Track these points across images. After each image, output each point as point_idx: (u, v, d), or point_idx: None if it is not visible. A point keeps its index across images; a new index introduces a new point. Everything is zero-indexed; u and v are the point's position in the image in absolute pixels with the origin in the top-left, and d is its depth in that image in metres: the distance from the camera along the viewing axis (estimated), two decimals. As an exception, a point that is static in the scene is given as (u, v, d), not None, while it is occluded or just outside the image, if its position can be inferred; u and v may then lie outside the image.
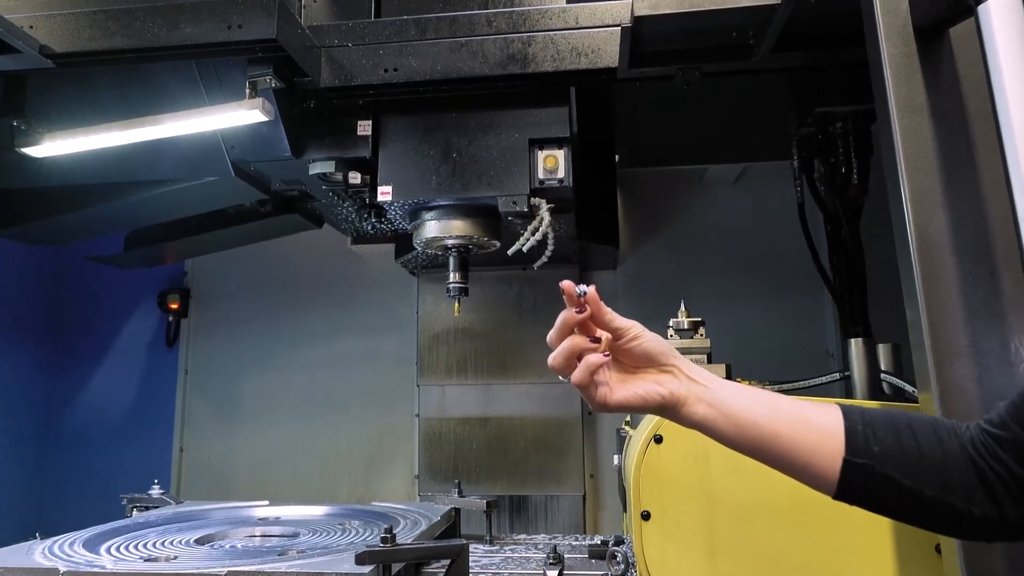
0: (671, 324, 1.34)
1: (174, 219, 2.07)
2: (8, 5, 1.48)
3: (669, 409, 0.69)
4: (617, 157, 2.29)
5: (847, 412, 0.68)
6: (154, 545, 1.26)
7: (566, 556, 1.36)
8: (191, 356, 2.66)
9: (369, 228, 2.03)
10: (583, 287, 0.68)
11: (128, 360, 2.67)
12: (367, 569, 1.02)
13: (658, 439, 0.98)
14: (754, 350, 2.13)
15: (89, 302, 2.65)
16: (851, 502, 0.67)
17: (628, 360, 0.70)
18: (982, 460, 0.63)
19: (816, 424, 0.68)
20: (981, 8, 0.75)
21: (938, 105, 0.82)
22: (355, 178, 1.70)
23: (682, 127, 2.14)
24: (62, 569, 1.07)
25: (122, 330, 2.69)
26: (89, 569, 1.07)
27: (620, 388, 0.69)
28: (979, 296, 0.78)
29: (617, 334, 0.69)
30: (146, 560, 1.16)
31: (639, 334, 0.70)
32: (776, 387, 1.49)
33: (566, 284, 0.68)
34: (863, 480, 0.66)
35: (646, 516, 0.94)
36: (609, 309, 0.70)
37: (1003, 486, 0.62)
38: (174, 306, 2.59)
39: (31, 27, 1.46)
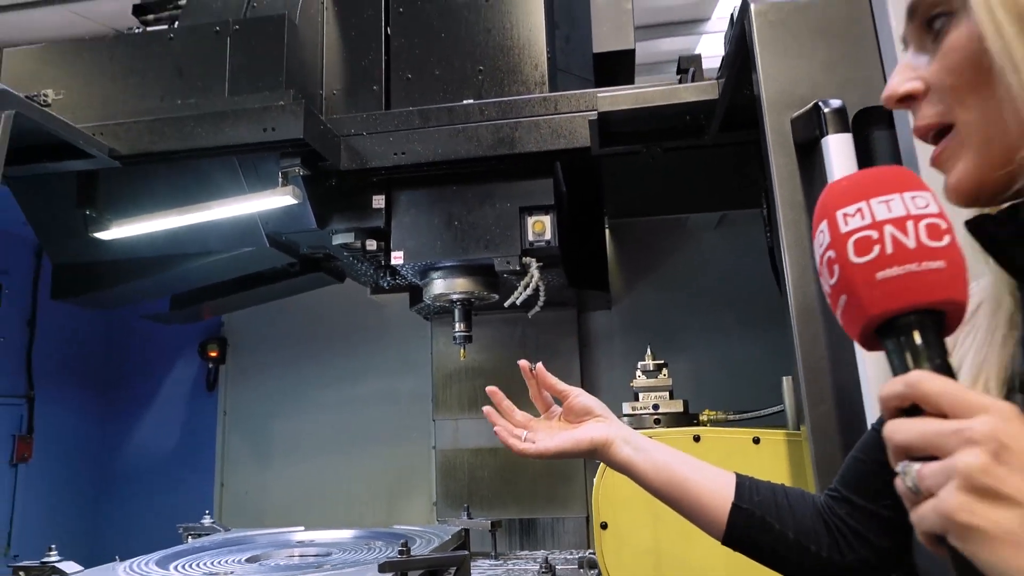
0: (639, 366, 1.58)
1: (215, 282, 2.36)
2: (81, 115, 1.79)
3: (599, 449, 0.91)
4: (605, 210, 2.56)
5: (738, 474, 0.87)
6: (213, 563, 1.52)
7: (559, 567, 1.60)
8: (229, 399, 2.94)
9: (385, 284, 2.30)
10: (533, 365, 0.94)
11: (173, 404, 2.95)
12: (387, 576, 1.27)
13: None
14: (739, 380, 2.36)
15: (137, 354, 2.95)
16: (734, 546, 0.84)
17: (572, 416, 0.95)
18: (827, 513, 0.81)
19: (714, 474, 0.87)
20: (824, 140, 1.01)
21: (812, 201, 1.07)
22: (372, 245, 1.98)
23: (660, 185, 2.40)
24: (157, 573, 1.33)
25: (167, 378, 2.98)
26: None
27: (560, 435, 0.93)
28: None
29: (562, 395, 0.95)
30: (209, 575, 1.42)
31: (579, 393, 0.95)
32: (737, 415, 1.72)
33: (522, 363, 0.95)
34: (744, 521, 0.82)
35: (604, 526, 1.19)
36: (555, 378, 0.95)
37: (841, 535, 0.79)
38: (213, 354, 2.88)
39: (101, 134, 1.76)
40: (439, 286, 1.99)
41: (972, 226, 0.57)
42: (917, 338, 0.48)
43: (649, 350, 1.60)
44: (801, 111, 1.13)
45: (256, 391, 2.90)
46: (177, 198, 1.87)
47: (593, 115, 1.68)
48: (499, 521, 1.88)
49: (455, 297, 1.99)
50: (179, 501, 2.81)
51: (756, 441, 1.34)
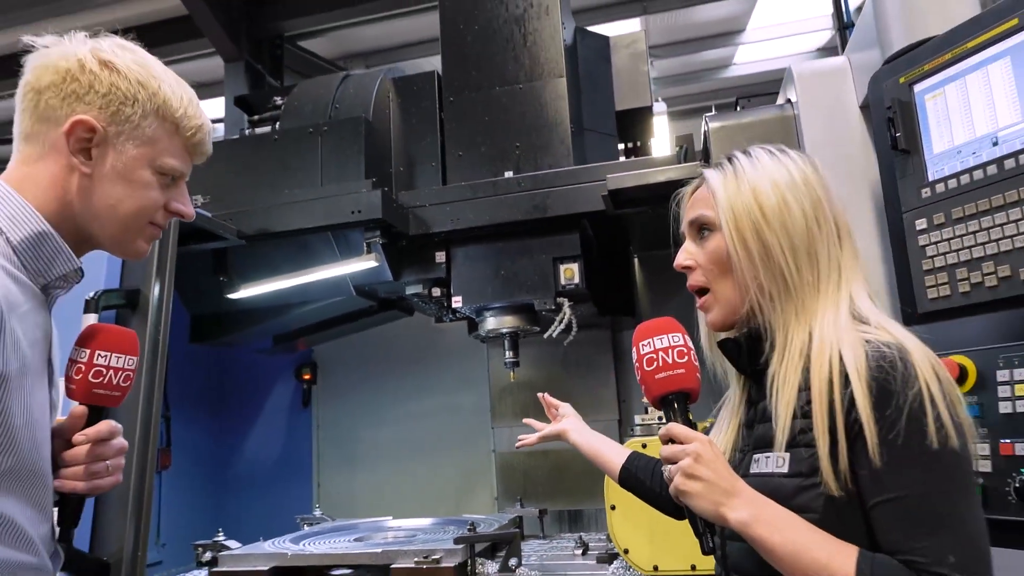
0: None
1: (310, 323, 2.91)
2: (212, 205, 2.34)
3: (561, 435, 1.56)
4: (632, 247, 3.00)
5: (633, 451, 1.42)
6: (332, 542, 2.04)
7: (591, 544, 2.06)
8: (321, 414, 3.49)
9: (447, 319, 2.80)
10: (545, 396, 1.46)
11: (275, 420, 3.52)
12: (460, 547, 1.76)
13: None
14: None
15: (244, 380, 3.53)
16: (623, 486, 1.42)
17: (556, 417, 1.50)
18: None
19: (620, 450, 1.47)
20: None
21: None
22: (436, 292, 2.48)
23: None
24: (290, 552, 1.86)
25: (269, 398, 3.55)
26: (303, 552, 1.87)
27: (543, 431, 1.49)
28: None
29: (556, 409, 1.48)
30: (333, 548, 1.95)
31: (561, 405, 1.48)
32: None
33: (541, 397, 1.46)
34: (625, 476, 1.41)
35: (613, 508, 1.64)
36: (552, 399, 1.49)
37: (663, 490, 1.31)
38: (307, 377, 3.43)
39: (229, 219, 2.31)
40: (491, 323, 2.48)
41: (720, 344, 1.05)
42: (675, 406, 0.98)
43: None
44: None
45: (343, 407, 3.44)
46: (286, 264, 2.42)
47: (604, 192, 2.13)
48: (545, 509, 2.36)
49: (504, 331, 2.47)
50: (284, 499, 3.37)
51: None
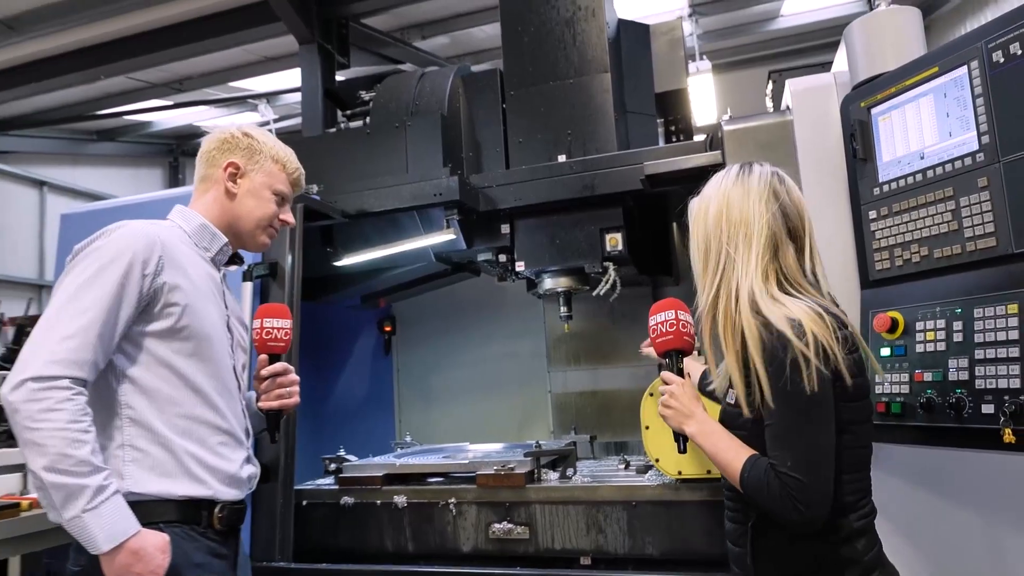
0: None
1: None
2: (321, 191, 2.85)
3: None
4: (670, 216, 3.41)
5: None
6: (426, 457, 2.60)
7: (632, 461, 2.56)
8: (400, 360, 4.06)
9: (510, 279, 3.29)
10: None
11: (361, 365, 4.10)
12: (529, 459, 2.29)
13: (651, 394, 2.17)
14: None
15: (335, 331, 4.11)
16: None
17: None
18: None
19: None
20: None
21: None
22: (502, 257, 2.97)
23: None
24: (397, 463, 2.43)
25: (355, 346, 4.13)
26: (408, 463, 2.43)
27: None
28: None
29: None
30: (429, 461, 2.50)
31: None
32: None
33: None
34: None
35: (647, 428, 2.13)
36: None
37: None
38: (388, 329, 3.99)
39: (335, 201, 2.83)
40: (548, 283, 2.96)
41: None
42: (670, 361, 1.47)
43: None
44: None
45: (419, 353, 4.00)
46: (379, 237, 2.94)
47: (642, 176, 2.56)
48: (595, 436, 2.87)
49: (559, 290, 2.96)
50: (370, 431, 3.97)
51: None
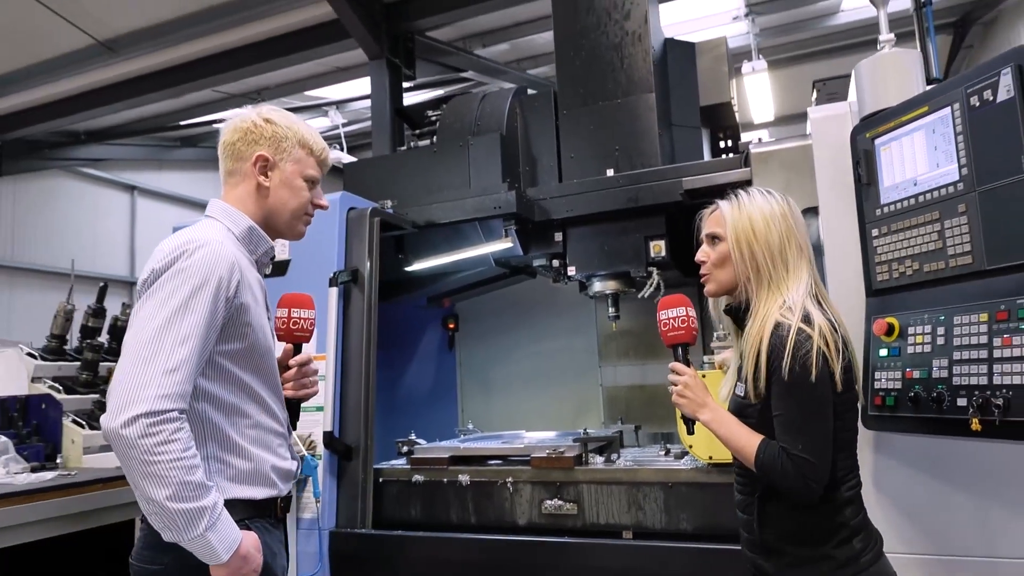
0: (715, 334, 2.74)
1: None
2: (395, 203, 3.20)
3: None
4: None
5: None
6: (487, 442, 2.93)
7: (672, 449, 2.83)
8: (462, 354, 4.40)
9: (563, 282, 3.59)
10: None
11: (428, 359, 4.46)
12: (577, 444, 2.60)
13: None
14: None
15: (405, 329, 4.48)
16: None
17: None
18: None
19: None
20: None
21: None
22: (555, 263, 3.27)
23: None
24: (462, 446, 2.76)
25: (422, 341, 4.50)
26: (471, 446, 2.76)
27: None
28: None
29: None
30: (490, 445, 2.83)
31: None
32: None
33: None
34: None
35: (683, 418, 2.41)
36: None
37: None
38: (451, 326, 4.34)
39: (406, 213, 3.18)
40: (597, 286, 3.25)
41: (725, 308, 1.76)
42: (679, 352, 1.73)
43: (720, 325, 2.75)
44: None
45: (480, 349, 4.33)
46: (445, 245, 3.28)
47: (681, 191, 2.81)
48: (639, 426, 3.15)
49: (608, 292, 3.24)
50: (436, 419, 4.32)
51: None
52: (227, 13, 6.28)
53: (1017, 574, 1.77)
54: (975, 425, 1.50)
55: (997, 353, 1.50)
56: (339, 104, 9.14)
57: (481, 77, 7.67)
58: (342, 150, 8.96)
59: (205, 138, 10.91)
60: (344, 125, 9.52)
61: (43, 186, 9.87)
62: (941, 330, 1.64)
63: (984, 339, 1.53)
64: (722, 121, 3.72)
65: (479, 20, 6.98)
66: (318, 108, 9.30)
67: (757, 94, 8.73)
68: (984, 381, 1.51)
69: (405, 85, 6.38)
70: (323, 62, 7.63)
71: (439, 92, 8.50)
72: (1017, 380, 1.45)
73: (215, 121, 9.87)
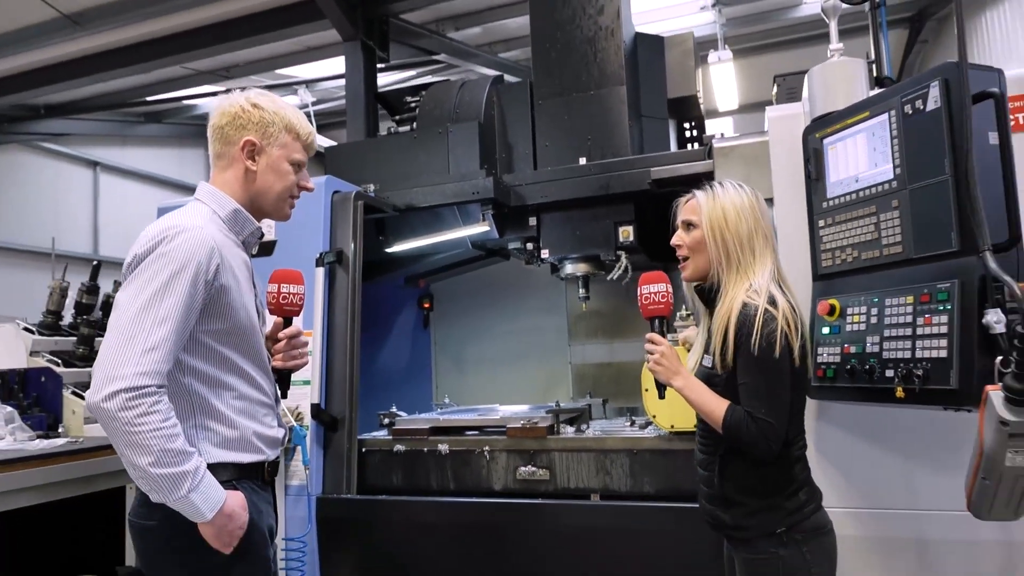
0: (678, 315, 2.95)
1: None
2: (377, 187, 3.34)
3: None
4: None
5: None
6: (464, 415, 3.11)
7: (638, 420, 3.05)
8: (437, 333, 4.56)
9: (536, 264, 3.77)
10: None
11: (403, 337, 4.61)
12: (550, 416, 2.79)
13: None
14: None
15: (382, 308, 4.62)
16: None
17: None
18: None
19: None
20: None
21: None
22: (529, 246, 3.44)
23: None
24: (441, 418, 2.94)
25: (397, 320, 4.65)
26: (450, 418, 2.94)
27: None
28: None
29: None
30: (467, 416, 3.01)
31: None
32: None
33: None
34: None
35: (647, 390, 2.61)
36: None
37: None
38: (426, 305, 4.49)
39: (388, 197, 3.32)
40: (569, 268, 3.44)
41: (696, 290, 1.96)
42: (656, 324, 1.93)
43: (684, 306, 2.96)
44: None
45: (454, 327, 4.50)
46: (424, 228, 3.43)
47: (649, 180, 3.01)
48: (607, 399, 3.36)
49: (578, 274, 3.43)
50: (411, 394, 4.48)
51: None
52: (199, -10, 6.26)
53: (937, 523, 2.03)
54: (899, 393, 1.73)
55: (920, 331, 1.73)
56: (309, 83, 9.13)
57: (454, 60, 7.76)
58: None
59: (170, 114, 10.79)
60: (314, 104, 9.51)
61: (2, 161, 9.68)
62: (875, 311, 1.86)
63: (909, 319, 1.75)
64: (688, 112, 3.92)
65: (453, 4, 7.07)
66: (288, 87, 9.28)
67: (722, 83, 8.98)
68: (908, 355, 1.74)
69: (382, 78, 6.44)
70: (294, 41, 7.63)
71: (410, 73, 8.58)
72: (935, 354, 1.68)
73: (181, 98, 9.77)
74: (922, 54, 10.27)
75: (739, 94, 9.57)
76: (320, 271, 2.91)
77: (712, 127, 10.12)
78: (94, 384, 1.51)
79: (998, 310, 1.48)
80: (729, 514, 1.82)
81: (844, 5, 2.20)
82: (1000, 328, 1.45)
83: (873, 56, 2.31)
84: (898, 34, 9.91)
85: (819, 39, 9.23)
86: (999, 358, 1.46)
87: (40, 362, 3.16)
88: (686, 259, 1.97)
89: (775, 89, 4.35)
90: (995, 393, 1.42)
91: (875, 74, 2.30)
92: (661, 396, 1.95)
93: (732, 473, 1.83)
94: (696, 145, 3.85)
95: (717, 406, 1.78)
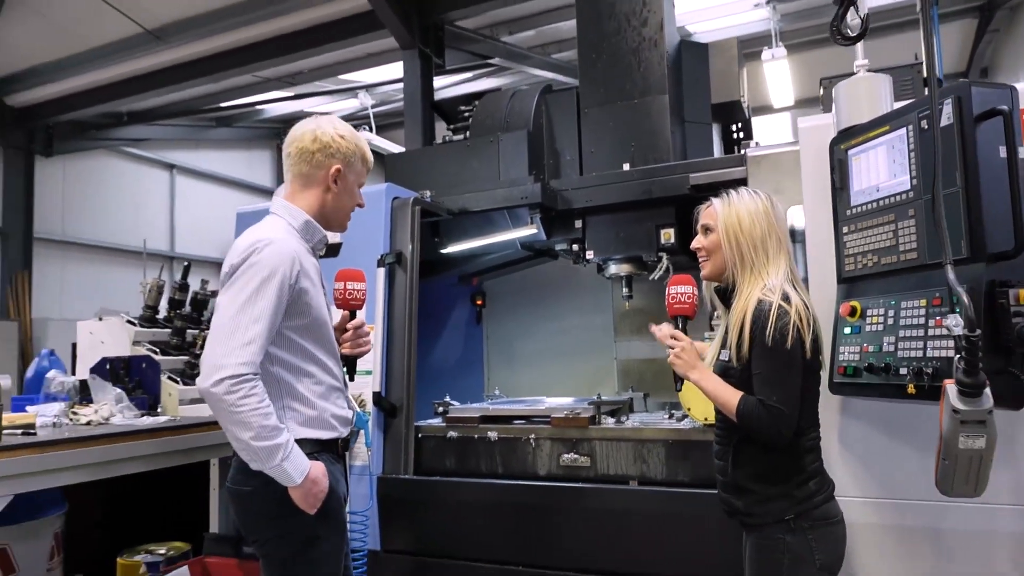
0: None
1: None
2: (433, 193, 3.58)
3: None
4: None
5: None
6: (512, 405, 3.33)
7: (675, 414, 3.21)
8: (489, 328, 4.78)
9: (583, 264, 3.96)
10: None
11: (456, 331, 4.85)
12: (592, 407, 2.99)
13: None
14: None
15: (437, 304, 4.87)
16: None
17: None
18: None
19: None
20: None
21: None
22: (575, 247, 3.63)
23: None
24: (491, 407, 3.17)
25: (452, 316, 4.89)
26: (499, 408, 3.16)
27: None
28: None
29: None
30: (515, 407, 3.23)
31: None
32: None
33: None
34: None
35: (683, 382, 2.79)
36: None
37: None
38: (479, 302, 4.72)
39: (442, 201, 3.56)
40: (613, 268, 3.61)
41: (715, 288, 2.12)
42: (678, 322, 2.12)
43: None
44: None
45: (505, 324, 4.71)
46: (476, 230, 3.66)
47: (688, 186, 3.16)
48: (647, 393, 3.53)
49: (622, 274, 3.60)
50: (464, 386, 4.71)
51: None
52: (269, 3, 6.65)
53: (953, 514, 2.14)
54: (911, 389, 1.87)
55: (931, 332, 1.86)
56: (369, 88, 9.50)
57: (507, 63, 7.99)
58: (371, 130, 9.35)
59: (240, 118, 11.34)
60: (373, 106, 9.89)
61: (89, 165, 10.39)
62: (891, 312, 1.99)
63: (922, 320, 1.88)
64: (732, 116, 4.04)
65: (506, 9, 7.29)
66: (350, 91, 9.67)
67: (777, 80, 8.94)
68: (920, 354, 1.87)
69: (438, 83, 6.71)
70: (355, 48, 7.99)
71: (467, 75, 8.83)
72: (944, 353, 1.80)
73: (251, 103, 10.28)
74: (993, 43, 9.93)
75: (795, 89, 9.49)
76: (381, 271, 3.17)
77: (768, 124, 10.07)
78: (203, 372, 1.80)
79: (956, 315, 1.64)
80: (742, 501, 1.98)
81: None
82: (958, 331, 1.62)
83: (924, 57, 2.39)
84: (966, 24, 9.64)
85: (875, 33, 9.08)
86: (956, 356, 1.63)
87: (141, 351, 3.59)
88: (705, 260, 2.14)
89: (821, 91, 4.42)
90: (950, 386, 1.61)
91: (923, 75, 2.37)
92: (678, 388, 2.12)
93: (744, 462, 1.98)
94: (742, 147, 3.97)
95: (731, 396, 1.93)
